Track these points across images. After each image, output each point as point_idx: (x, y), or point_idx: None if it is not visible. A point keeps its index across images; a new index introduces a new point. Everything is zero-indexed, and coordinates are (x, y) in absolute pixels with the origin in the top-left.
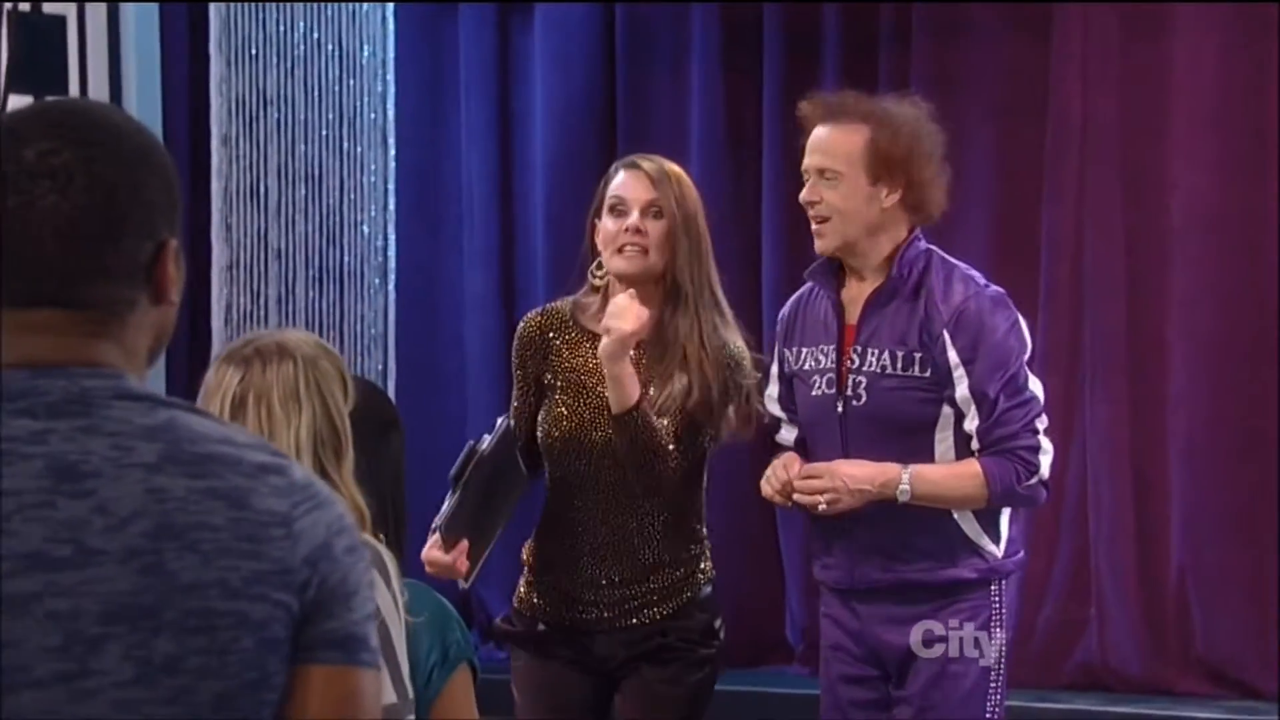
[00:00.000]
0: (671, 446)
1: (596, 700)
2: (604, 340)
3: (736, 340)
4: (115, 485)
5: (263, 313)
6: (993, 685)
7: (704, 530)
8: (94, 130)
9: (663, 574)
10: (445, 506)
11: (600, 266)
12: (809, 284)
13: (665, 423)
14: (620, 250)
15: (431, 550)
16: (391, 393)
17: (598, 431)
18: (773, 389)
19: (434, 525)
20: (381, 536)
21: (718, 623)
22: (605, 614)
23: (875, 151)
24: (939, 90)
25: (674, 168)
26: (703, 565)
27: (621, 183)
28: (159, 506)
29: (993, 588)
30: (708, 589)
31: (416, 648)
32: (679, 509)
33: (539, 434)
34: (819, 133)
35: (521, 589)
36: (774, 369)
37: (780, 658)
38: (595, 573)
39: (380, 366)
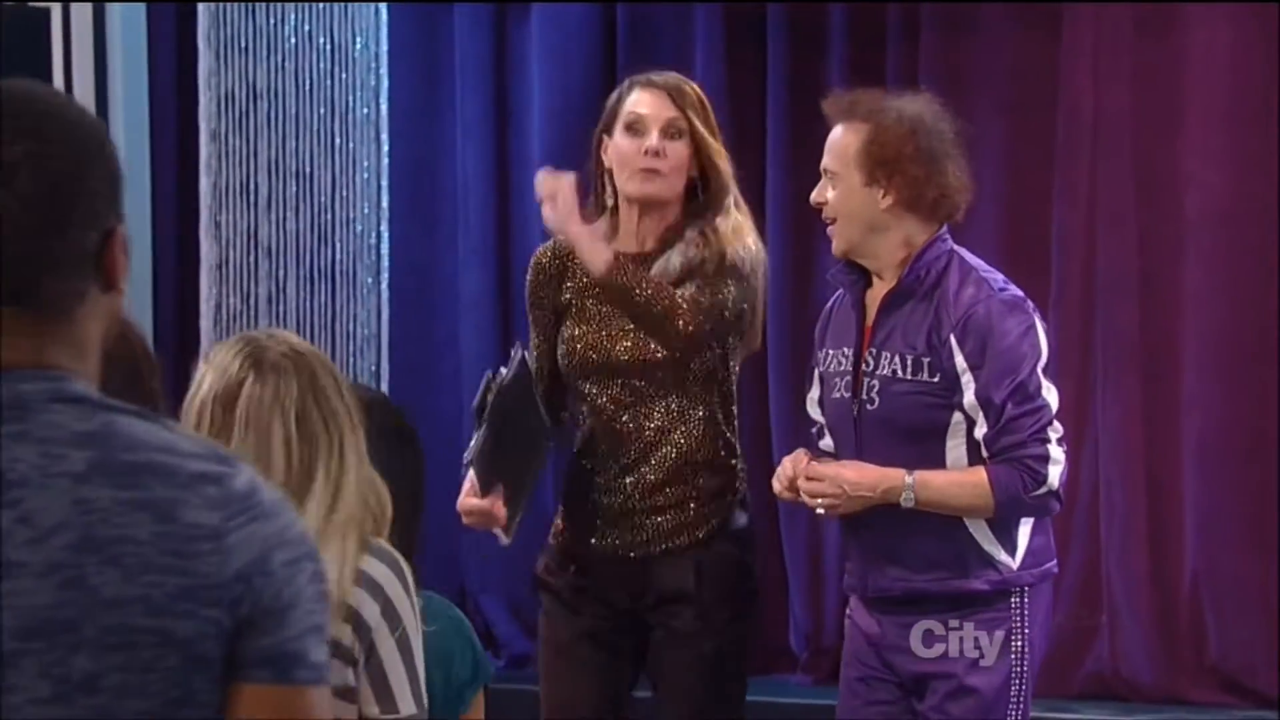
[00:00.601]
0: (680, 293)
1: (633, 649)
2: (544, 211)
3: (751, 242)
4: (41, 495)
5: (253, 312)
6: (1013, 701)
7: (736, 442)
8: (37, 119)
9: (696, 484)
10: (473, 442)
11: (608, 184)
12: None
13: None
14: (638, 172)
15: (467, 499)
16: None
17: (616, 345)
18: (814, 392)
19: (465, 460)
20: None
21: (750, 557)
22: (641, 536)
23: (868, 152)
24: (947, 87)
25: (691, 84)
26: (738, 485)
27: (639, 100)
28: (83, 518)
29: (1013, 600)
30: (743, 519)
31: (447, 661)
32: (706, 410)
33: (559, 357)
34: (832, 133)
35: (558, 521)
36: (816, 371)
37: (784, 666)
38: (627, 494)
39: (374, 367)
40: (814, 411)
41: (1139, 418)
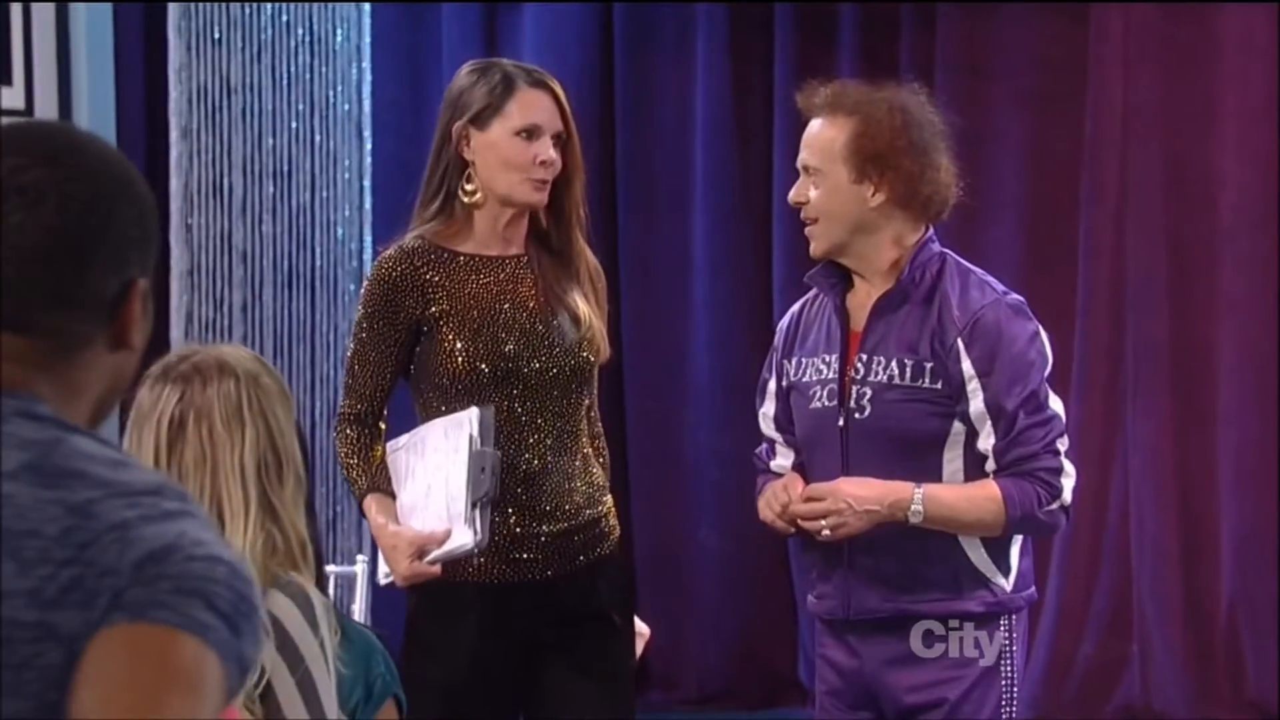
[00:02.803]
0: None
1: (521, 670)
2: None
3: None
4: None
5: (226, 321)
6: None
7: (605, 466)
8: (70, 151)
9: (588, 518)
10: (481, 530)
11: (470, 180)
12: (812, 290)
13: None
14: (527, 180)
15: (418, 565)
16: None
17: (498, 358)
18: (768, 407)
19: (477, 550)
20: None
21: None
22: (535, 555)
23: (857, 146)
24: (966, 78)
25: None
26: (611, 507)
27: (533, 103)
28: None
29: (1001, 621)
30: (615, 547)
31: (338, 683)
32: (574, 429)
33: (434, 374)
34: (809, 127)
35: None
36: (770, 385)
37: (794, 699)
38: (523, 520)
39: None
40: (768, 428)
41: (1171, 434)
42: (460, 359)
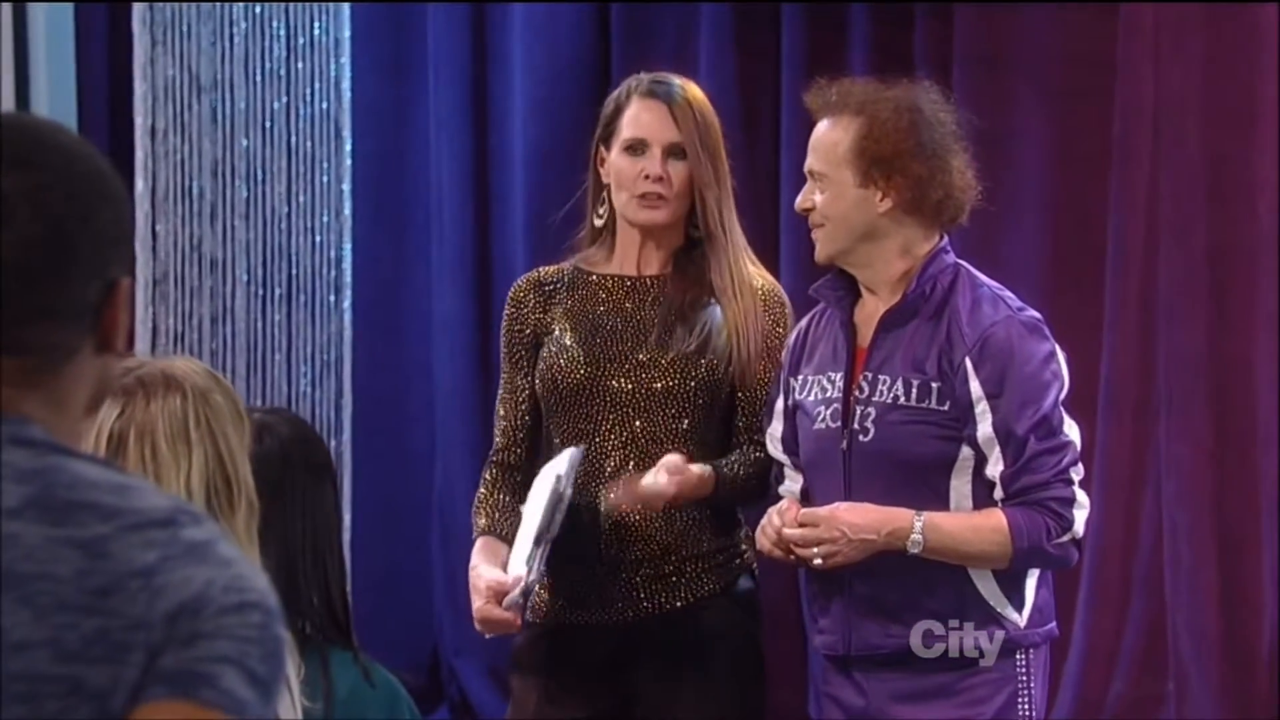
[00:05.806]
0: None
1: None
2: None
3: (768, 276)
4: None
5: (195, 335)
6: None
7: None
8: (38, 150)
9: (693, 552)
10: (534, 568)
11: (603, 201)
12: (821, 303)
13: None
14: (636, 198)
15: (491, 608)
16: (347, 428)
17: (610, 379)
18: (776, 427)
19: (528, 586)
20: (314, 601)
21: (754, 625)
22: (628, 602)
23: (862, 149)
24: (986, 73)
25: (695, 93)
26: (743, 549)
27: (638, 116)
28: (5, 555)
29: (1018, 657)
30: (747, 583)
31: None
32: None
33: (537, 385)
34: (816, 129)
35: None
36: (778, 404)
37: None
38: (617, 552)
39: (334, 398)
40: (775, 450)
41: (1208, 456)
42: (544, 373)
